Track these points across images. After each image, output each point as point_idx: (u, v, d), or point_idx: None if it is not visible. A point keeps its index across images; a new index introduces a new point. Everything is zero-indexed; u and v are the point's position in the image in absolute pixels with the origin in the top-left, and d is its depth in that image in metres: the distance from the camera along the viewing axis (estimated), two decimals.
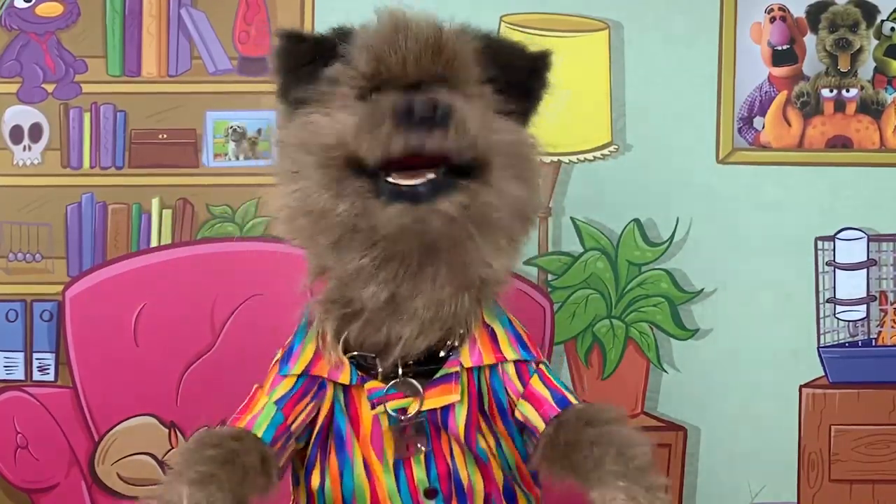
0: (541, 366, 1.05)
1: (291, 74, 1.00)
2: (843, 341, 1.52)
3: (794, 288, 1.51)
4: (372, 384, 1.00)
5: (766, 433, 1.51)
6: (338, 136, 0.93)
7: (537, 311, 1.49)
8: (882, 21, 1.52)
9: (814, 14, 1.52)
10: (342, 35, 0.99)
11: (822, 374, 1.51)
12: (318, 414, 1.03)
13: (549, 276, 1.50)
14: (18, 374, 1.49)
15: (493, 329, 1.04)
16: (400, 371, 0.99)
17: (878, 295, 1.52)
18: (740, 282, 1.51)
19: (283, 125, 1.02)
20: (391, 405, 0.99)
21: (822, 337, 1.52)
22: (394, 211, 0.91)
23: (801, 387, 1.52)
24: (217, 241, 1.49)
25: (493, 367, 1.03)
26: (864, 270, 1.52)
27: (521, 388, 1.03)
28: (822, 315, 1.52)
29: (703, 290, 1.51)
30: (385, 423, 1.00)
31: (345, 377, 1.00)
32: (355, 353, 1.00)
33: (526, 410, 1.02)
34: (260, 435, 0.99)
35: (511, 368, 1.03)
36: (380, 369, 0.99)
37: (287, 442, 1.01)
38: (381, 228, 0.92)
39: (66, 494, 1.49)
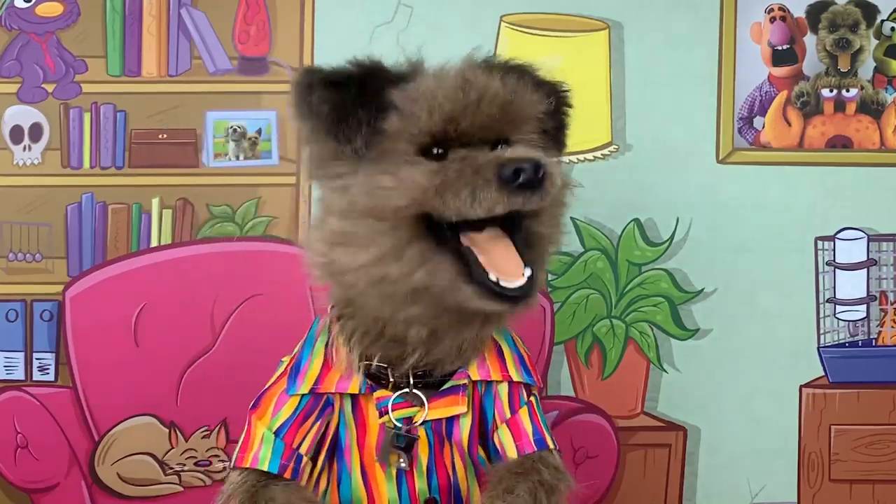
0: (531, 398, 1.06)
1: (335, 123, 0.92)
2: (843, 341, 1.52)
3: (794, 288, 1.51)
4: (381, 393, 1.01)
5: (766, 433, 1.51)
6: (409, 195, 0.91)
7: (537, 311, 1.48)
8: (882, 21, 1.52)
9: (814, 14, 1.52)
10: (379, 74, 0.94)
11: (822, 374, 1.51)
12: (327, 428, 1.04)
13: (549, 276, 1.50)
14: (18, 374, 1.49)
15: (500, 346, 1.06)
16: (411, 381, 1.00)
17: (878, 295, 1.52)
18: (740, 282, 1.51)
19: (322, 171, 0.98)
20: (396, 414, 1.00)
21: (822, 337, 1.52)
22: (492, 305, 0.92)
23: (801, 387, 1.52)
24: (217, 241, 1.49)
25: (487, 386, 1.04)
26: (864, 270, 1.52)
27: (507, 414, 1.05)
28: (822, 315, 1.52)
29: (703, 290, 1.51)
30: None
31: (354, 387, 1.01)
32: (368, 363, 1.00)
33: (504, 438, 1.04)
34: (266, 468, 1.00)
35: (504, 391, 1.05)
36: (391, 379, 1.00)
37: (298, 464, 1.02)
38: (468, 305, 0.93)
39: (66, 494, 1.49)
